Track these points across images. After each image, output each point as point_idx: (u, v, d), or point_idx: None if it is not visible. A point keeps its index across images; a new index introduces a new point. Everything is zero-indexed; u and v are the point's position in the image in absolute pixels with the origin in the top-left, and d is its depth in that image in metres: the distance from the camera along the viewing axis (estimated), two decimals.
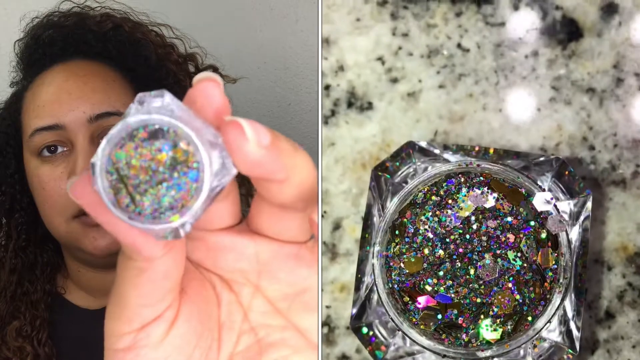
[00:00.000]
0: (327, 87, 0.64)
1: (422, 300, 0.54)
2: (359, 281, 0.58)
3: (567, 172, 0.56)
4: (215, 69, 0.83)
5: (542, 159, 0.57)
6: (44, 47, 0.82)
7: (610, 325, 0.59)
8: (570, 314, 0.55)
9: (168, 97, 0.29)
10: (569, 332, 0.56)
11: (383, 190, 0.59)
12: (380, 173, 0.59)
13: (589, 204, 0.56)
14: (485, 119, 0.62)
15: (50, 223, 0.79)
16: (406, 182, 0.59)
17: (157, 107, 0.29)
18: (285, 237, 0.32)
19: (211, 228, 0.32)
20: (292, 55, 1.00)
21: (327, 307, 0.62)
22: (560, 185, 0.57)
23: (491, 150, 0.58)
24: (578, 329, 0.55)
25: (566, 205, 0.56)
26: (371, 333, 0.58)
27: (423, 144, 0.59)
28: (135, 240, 0.29)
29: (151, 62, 0.80)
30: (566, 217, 0.56)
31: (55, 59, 0.81)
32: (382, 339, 0.57)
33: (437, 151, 0.58)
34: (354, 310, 0.57)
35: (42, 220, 0.80)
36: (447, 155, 0.59)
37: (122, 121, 0.29)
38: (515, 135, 0.61)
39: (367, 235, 0.58)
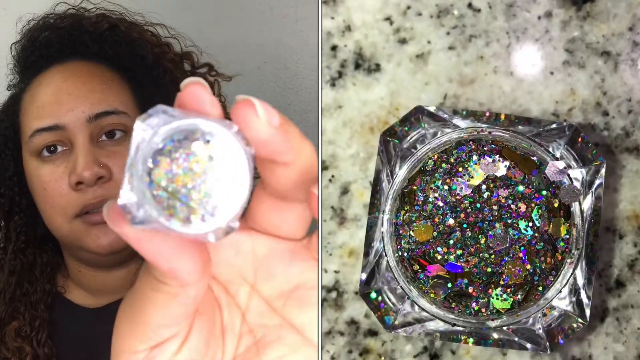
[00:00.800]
0: (333, 48, 0.63)
1: (432, 269, 0.53)
2: (368, 247, 0.58)
3: (580, 139, 0.56)
4: (211, 67, 0.86)
5: (554, 125, 0.56)
6: (41, 49, 0.84)
7: (620, 293, 0.60)
8: (580, 283, 0.55)
9: (163, 107, 0.30)
10: (579, 302, 0.56)
11: (392, 155, 0.59)
12: (389, 138, 0.58)
13: (603, 172, 0.55)
14: (496, 82, 0.61)
15: (51, 223, 0.80)
16: (415, 148, 0.58)
17: (162, 120, 0.29)
18: (283, 231, 0.33)
19: None
20: (292, 55, 1.02)
21: (336, 272, 0.62)
22: (573, 153, 0.57)
23: (502, 116, 0.57)
24: (589, 298, 0.55)
25: (578, 173, 0.56)
26: (380, 299, 0.58)
27: (432, 109, 0.58)
28: (178, 265, 0.29)
29: (148, 61, 0.82)
30: (578, 185, 0.56)
31: (52, 61, 0.83)
32: (391, 305, 0.57)
33: (446, 116, 0.57)
34: (363, 276, 0.57)
35: (43, 220, 0.81)
36: (457, 121, 0.58)
37: (137, 149, 0.29)
38: (527, 100, 0.61)
39: (376, 201, 0.58)
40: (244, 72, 0.88)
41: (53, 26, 0.84)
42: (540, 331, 0.56)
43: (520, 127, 0.59)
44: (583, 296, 0.56)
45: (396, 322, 0.59)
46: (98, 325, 0.74)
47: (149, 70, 0.82)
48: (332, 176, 0.64)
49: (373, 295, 0.59)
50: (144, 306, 0.31)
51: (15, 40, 0.87)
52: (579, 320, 0.56)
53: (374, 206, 0.59)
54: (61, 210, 0.78)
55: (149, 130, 0.29)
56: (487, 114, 0.58)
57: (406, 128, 0.60)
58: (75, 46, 0.83)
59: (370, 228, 0.59)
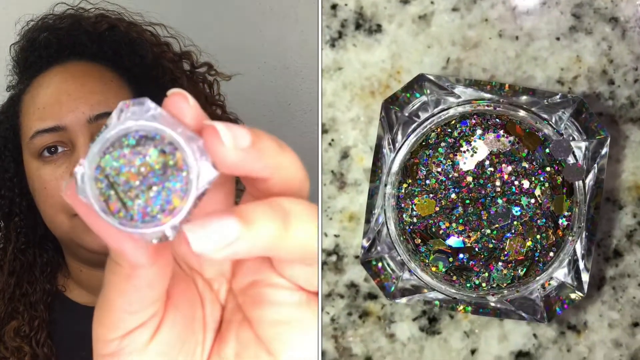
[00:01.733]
0: (333, 6, 0.63)
1: (451, 242, 0.54)
2: (369, 214, 0.59)
3: (584, 111, 0.56)
4: (210, 66, 0.88)
5: (558, 97, 0.56)
6: (40, 50, 0.85)
7: (618, 263, 0.61)
8: (580, 255, 0.56)
9: (149, 104, 0.31)
10: (577, 273, 0.58)
11: (394, 123, 0.59)
12: (390, 106, 0.58)
13: (607, 146, 0.56)
14: (501, 47, 0.61)
15: (52, 222, 0.82)
16: (417, 116, 0.59)
17: (140, 114, 0.31)
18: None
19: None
20: (292, 55, 1.04)
21: (336, 235, 0.63)
22: (577, 125, 0.57)
23: (506, 86, 0.57)
24: (587, 270, 0.56)
25: (582, 145, 0.56)
26: (380, 265, 0.59)
27: (434, 77, 0.57)
28: (123, 245, 0.31)
29: (147, 61, 0.84)
30: (581, 158, 0.56)
31: (52, 62, 0.84)
32: (391, 272, 0.58)
33: (448, 84, 0.57)
34: (365, 243, 0.58)
35: (44, 220, 0.83)
36: (459, 90, 0.58)
37: (107, 129, 0.30)
38: (532, 66, 0.61)
39: (377, 170, 0.58)
40: (244, 71, 0.90)
41: (52, 27, 0.86)
42: (538, 301, 0.58)
43: (524, 98, 0.58)
44: (582, 268, 0.57)
45: (396, 290, 0.60)
46: None
47: (149, 70, 0.84)
48: (332, 140, 0.64)
49: (374, 262, 0.59)
50: (107, 291, 0.33)
51: (14, 41, 0.89)
52: (577, 292, 0.57)
53: (375, 174, 0.60)
54: (62, 208, 0.79)
55: (123, 116, 0.31)
56: (490, 85, 0.58)
57: (408, 95, 0.60)
58: (74, 47, 0.85)
59: (372, 196, 0.60)
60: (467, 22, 0.64)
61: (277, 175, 0.31)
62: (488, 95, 0.59)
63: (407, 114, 0.61)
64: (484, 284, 0.57)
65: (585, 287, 0.58)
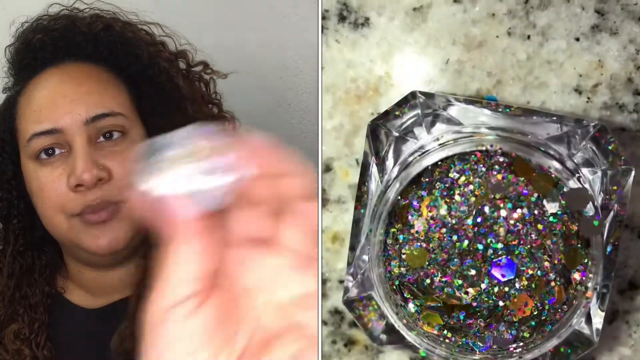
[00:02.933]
0: None
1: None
2: (354, 239, 0.57)
3: (608, 141, 0.49)
4: (206, 65, 0.88)
5: (580, 124, 0.49)
6: (35, 52, 0.86)
7: (633, 296, 0.56)
8: (594, 306, 0.50)
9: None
10: (588, 319, 0.51)
11: (383, 144, 0.51)
12: (379, 125, 0.50)
13: (630, 180, 0.49)
14: (510, 47, 0.54)
15: (50, 223, 0.83)
16: (411, 133, 0.51)
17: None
18: (297, 246, 0.39)
19: (245, 235, 0.39)
20: (292, 55, 1.04)
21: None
22: (595, 150, 0.50)
23: (514, 107, 0.50)
24: (600, 317, 0.50)
25: (599, 175, 0.49)
26: (365, 306, 0.53)
27: (424, 98, 0.50)
28: (167, 221, 0.37)
29: (143, 61, 0.84)
30: (597, 187, 0.49)
31: (47, 63, 0.86)
32: (378, 314, 0.53)
33: (444, 105, 0.50)
34: (349, 282, 0.52)
35: (42, 221, 0.85)
36: (456, 109, 0.50)
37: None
38: (545, 71, 0.54)
39: (363, 195, 0.52)
40: (244, 72, 0.92)
41: (46, 28, 0.86)
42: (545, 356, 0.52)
43: (534, 118, 0.51)
44: (595, 320, 0.51)
45: (384, 333, 0.54)
46: (98, 326, 0.80)
47: (145, 70, 0.84)
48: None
49: (357, 304, 0.54)
50: (166, 262, 0.38)
51: (8, 43, 0.89)
52: (586, 344, 0.52)
53: (360, 200, 0.53)
54: (60, 209, 0.81)
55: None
56: (494, 104, 0.51)
57: (397, 113, 0.52)
58: (69, 48, 0.86)
59: (357, 224, 0.53)
60: (471, 17, 0.55)
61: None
62: (490, 117, 0.51)
63: (397, 134, 0.53)
64: (481, 347, 0.51)
65: (596, 339, 0.52)
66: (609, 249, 0.52)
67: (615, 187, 0.52)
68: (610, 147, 0.52)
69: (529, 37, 0.55)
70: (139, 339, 0.40)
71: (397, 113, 0.54)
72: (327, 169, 0.59)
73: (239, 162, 0.37)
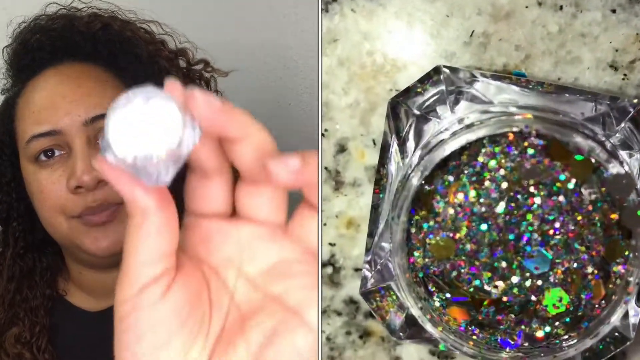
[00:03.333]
0: None
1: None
2: (372, 226, 0.53)
3: None
4: (206, 63, 0.88)
5: (619, 103, 0.46)
6: (33, 52, 0.86)
7: None
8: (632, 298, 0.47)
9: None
10: (625, 315, 0.48)
11: (404, 124, 0.48)
12: (399, 103, 0.47)
13: None
14: (540, 18, 0.51)
15: (50, 225, 0.83)
16: (433, 112, 0.47)
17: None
18: (262, 215, 0.39)
19: (205, 210, 0.39)
20: (292, 55, 1.05)
21: (331, 244, 0.56)
22: (635, 131, 0.46)
23: (547, 84, 0.46)
24: (637, 314, 0.47)
25: (637, 158, 0.46)
26: (384, 297, 0.50)
27: (448, 73, 0.46)
28: (134, 191, 0.36)
29: (142, 60, 0.84)
30: (635, 173, 0.46)
31: (45, 64, 0.86)
32: (397, 305, 0.49)
33: (468, 79, 0.46)
34: (367, 271, 0.49)
35: (42, 223, 0.85)
36: (482, 85, 0.46)
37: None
38: (578, 45, 0.50)
39: (383, 179, 0.48)
40: (244, 72, 0.91)
41: (44, 28, 0.86)
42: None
43: (567, 96, 0.47)
44: (632, 314, 0.48)
45: (402, 327, 0.51)
46: (99, 329, 0.83)
47: (144, 69, 0.84)
48: (326, 130, 0.55)
49: (376, 295, 0.50)
50: (125, 247, 0.37)
51: (6, 43, 0.89)
52: (620, 340, 0.48)
53: (379, 184, 0.49)
54: (60, 211, 0.81)
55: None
56: (524, 80, 0.47)
57: (419, 90, 0.48)
58: (68, 48, 0.85)
59: (375, 209, 0.50)
60: None
61: (247, 138, 0.37)
62: (519, 94, 0.47)
63: (419, 112, 0.49)
64: (511, 347, 0.48)
65: (633, 333, 0.49)
66: None
67: None
68: None
69: (561, 7, 0.51)
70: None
71: (419, 90, 0.50)
72: (342, 149, 0.55)
73: (185, 127, 0.36)
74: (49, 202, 0.82)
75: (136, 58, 0.84)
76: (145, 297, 0.38)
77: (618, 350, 0.51)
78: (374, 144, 0.55)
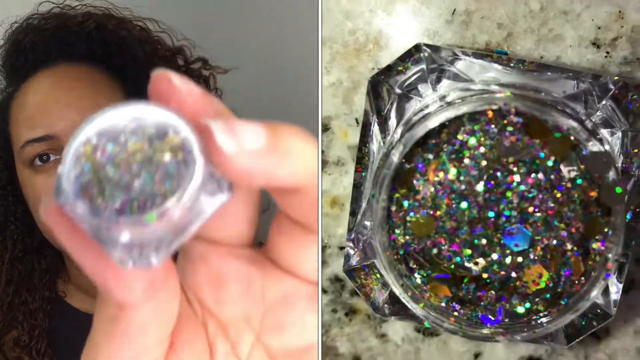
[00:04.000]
0: None
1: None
2: (354, 204, 0.53)
3: (629, 97, 0.46)
4: (205, 61, 0.87)
5: (601, 80, 0.46)
6: (26, 53, 0.85)
7: None
8: (613, 276, 0.48)
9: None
10: (606, 291, 0.49)
11: (385, 102, 0.49)
12: (380, 81, 0.47)
13: None
14: None
15: (48, 232, 0.82)
16: (415, 91, 0.48)
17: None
18: (305, 271, 0.30)
19: (217, 236, 0.30)
20: (292, 55, 1.02)
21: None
22: (615, 109, 0.47)
23: (528, 62, 0.46)
24: (618, 290, 0.48)
25: (618, 137, 0.47)
26: (367, 274, 0.51)
27: (429, 51, 0.47)
28: (106, 277, 0.26)
29: (139, 59, 0.82)
30: (616, 150, 0.47)
31: (39, 65, 0.84)
32: (381, 283, 0.50)
33: (451, 58, 0.47)
34: (350, 249, 0.50)
35: (40, 229, 0.84)
36: (464, 64, 0.47)
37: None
38: (560, 23, 0.51)
39: (364, 157, 0.49)
40: (244, 71, 0.88)
41: (37, 28, 0.85)
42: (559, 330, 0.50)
43: (549, 74, 0.47)
44: (612, 290, 0.49)
45: (386, 304, 0.52)
46: None
47: (141, 69, 0.82)
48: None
49: (359, 273, 0.51)
50: (94, 335, 0.30)
51: None
52: (606, 313, 0.49)
53: (360, 162, 0.50)
54: None
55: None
56: (505, 58, 0.47)
57: (401, 67, 0.49)
58: (61, 48, 0.84)
59: (357, 188, 0.51)
60: None
61: (309, 182, 0.27)
62: (500, 72, 0.48)
63: (400, 91, 0.50)
64: (493, 322, 0.49)
65: (614, 309, 0.50)
66: (628, 216, 0.49)
67: (636, 150, 0.49)
68: (631, 106, 0.49)
69: None
70: None
71: (400, 68, 0.50)
72: (325, 128, 0.56)
73: None
74: None
75: (132, 58, 0.83)
76: None
77: (600, 326, 0.52)
78: (357, 122, 0.55)
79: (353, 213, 0.53)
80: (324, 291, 0.59)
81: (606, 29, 0.52)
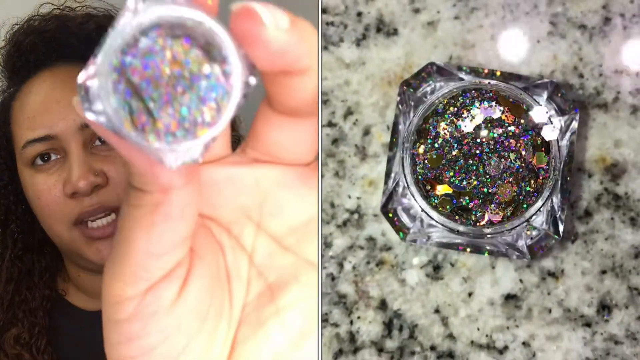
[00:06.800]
0: (359, 14, 0.84)
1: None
2: (387, 176, 0.78)
3: (559, 94, 0.77)
4: None
5: (539, 81, 0.78)
6: (27, 54, 0.86)
7: (588, 221, 0.80)
8: (556, 208, 0.77)
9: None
10: (554, 223, 0.77)
11: (408, 102, 0.79)
12: (405, 88, 0.79)
13: (576, 121, 0.77)
14: (493, 47, 0.82)
15: (51, 231, 0.85)
16: (426, 97, 0.79)
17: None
18: (291, 155, 0.31)
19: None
20: None
21: (358, 197, 0.82)
22: (554, 104, 0.79)
23: (498, 72, 0.79)
24: (562, 221, 0.77)
25: (557, 121, 0.77)
26: (395, 219, 0.78)
27: (441, 64, 0.79)
28: (152, 161, 0.26)
29: None
30: (557, 129, 0.77)
31: (40, 66, 0.86)
32: (404, 223, 0.78)
33: (453, 71, 0.79)
34: (384, 199, 0.78)
35: (42, 227, 0.85)
36: (461, 75, 0.79)
37: (123, 23, 0.26)
38: (518, 63, 0.82)
39: (394, 139, 0.79)
40: None
41: (38, 29, 0.86)
42: (524, 247, 0.78)
43: (512, 82, 0.80)
44: (558, 218, 0.78)
45: (408, 238, 0.79)
46: (98, 329, 0.77)
47: None
48: (356, 120, 0.84)
49: (391, 214, 0.80)
50: (126, 234, 0.28)
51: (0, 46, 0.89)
52: (555, 236, 0.77)
53: (393, 144, 0.80)
54: (60, 219, 0.82)
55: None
56: (486, 71, 0.80)
57: (419, 81, 0.81)
58: (62, 49, 0.86)
59: (390, 161, 0.80)
60: (467, 27, 0.83)
61: (314, 64, 0.28)
62: (486, 81, 0.81)
63: (418, 95, 0.82)
64: (480, 221, 0.78)
65: (561, 232, 0.79)
66: (563, 183, 0.80)
67: (567, 127, 0.81)
68: (562, 98, 0.81)
69: (505, 40, 0.87)
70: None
71: (418, 81, 0.83)
72: (366, 132, 0.87)
73: None
74: (47, 209, 0.81)
75: None
76: (154, 299, 0.28)
77: (552, 244, 0.81)
78: (388, 129, 0.86)
79: (386, 182, 0.83)
80: (361, 248, 0.87)
81: (546, 65, 0.85)
